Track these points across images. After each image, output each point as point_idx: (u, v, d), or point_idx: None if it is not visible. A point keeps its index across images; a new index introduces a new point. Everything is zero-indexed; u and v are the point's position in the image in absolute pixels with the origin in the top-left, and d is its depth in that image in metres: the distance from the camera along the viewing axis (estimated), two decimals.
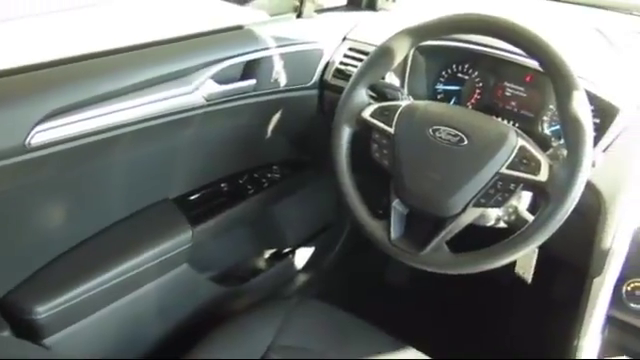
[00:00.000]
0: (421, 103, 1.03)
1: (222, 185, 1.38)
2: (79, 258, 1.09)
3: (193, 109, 1.11)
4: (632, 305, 1.01)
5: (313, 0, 1.38)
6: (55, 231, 1.07)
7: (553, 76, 0.91)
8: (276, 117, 1.36)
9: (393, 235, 0.99)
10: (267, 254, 1.61)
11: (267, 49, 1.21)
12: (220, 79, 1.13)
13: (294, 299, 1.21)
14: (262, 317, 1.14)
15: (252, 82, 1.20)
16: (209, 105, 1.13)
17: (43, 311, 1.01)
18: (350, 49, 1.33)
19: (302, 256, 1.67)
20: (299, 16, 1.37)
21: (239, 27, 1.23)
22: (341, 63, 1.32)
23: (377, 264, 1.71)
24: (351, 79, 1.05)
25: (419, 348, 1.12)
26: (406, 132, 0.99)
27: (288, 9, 1.37)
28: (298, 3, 1.36)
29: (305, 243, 1.68)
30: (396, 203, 1.00)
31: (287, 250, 1.64)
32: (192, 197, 1.32)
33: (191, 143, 1.21)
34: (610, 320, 1.07)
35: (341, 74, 1.31)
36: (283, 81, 1.27)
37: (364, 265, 1.75)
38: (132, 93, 1.00)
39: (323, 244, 1.72)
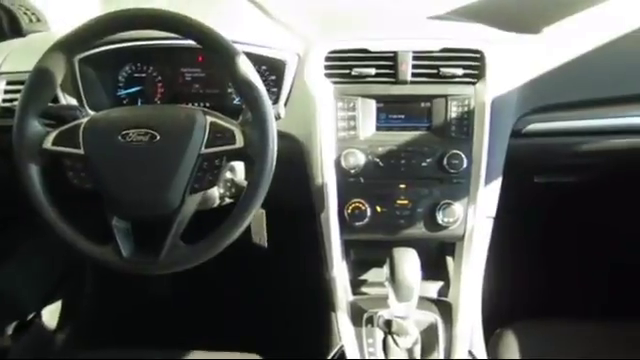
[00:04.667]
0: (101, 114, 0.99)
1: None
2: None
3: None
4: (356, 224, 1.12)
5: None
6: None
7: (213, 50, 0.94)
8: None
9: (125, 253, 0.95)
10: (9, 329, 1.42)
11: None
12: None
13: None
14: None
15: None
16: None
17: None
18: (8, 83, 1.20)
19: (52, 313, 1.51)
20: None
21: None
22: (4, 101, 1.19)
23: (135, 288, 1.63)
24: (15, 114, 0.95)
25: (202, 345, 1.11)
26: (96, 148, 0.94)
27: None
28: None
29: (51, 298, 1.52)
30: (115, 221, 0.95)
31: (32, 315, 1.47)
32: None
33: None
34: (348, 243, 1.18)
35: (9, 112, 1.18)
36: None
37: (123, 293, 1.66)
38: None
39: (72, 291, 1.58)
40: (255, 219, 1.17)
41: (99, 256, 0.97)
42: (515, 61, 1.16)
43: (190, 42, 0.96)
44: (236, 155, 0.96)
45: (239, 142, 0.93)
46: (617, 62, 1.20)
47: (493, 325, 1.18)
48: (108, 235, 0.96)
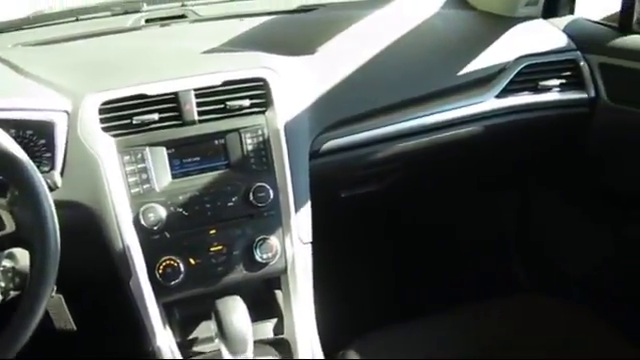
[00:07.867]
0: None
1: None
2: None
3: None
4: (172, 283, 1.02)
5: None
6: None
7: None
8: None
9: None
10: None
11: None
12: None
13: None
14: None
15: None
16: None
17: None
18: None
19: None
20: None
21: None
22: None
23: None
24: None
25: None
26: None
27: None
28: None
29: None
30: None
31: None
32: None
33: None
34: (167, 305, 1.07)
35: None
36: None
37: None
38: None
39: None
40: (52, 307, 1.01)
41: None
42: (298, 84, 1.17)
43: None
44: (9, 242, 0.82)
45: (9, 226, 0.80)
46: (391, 71, 1.27)
47: (334, 349, 1.16)
48: None
